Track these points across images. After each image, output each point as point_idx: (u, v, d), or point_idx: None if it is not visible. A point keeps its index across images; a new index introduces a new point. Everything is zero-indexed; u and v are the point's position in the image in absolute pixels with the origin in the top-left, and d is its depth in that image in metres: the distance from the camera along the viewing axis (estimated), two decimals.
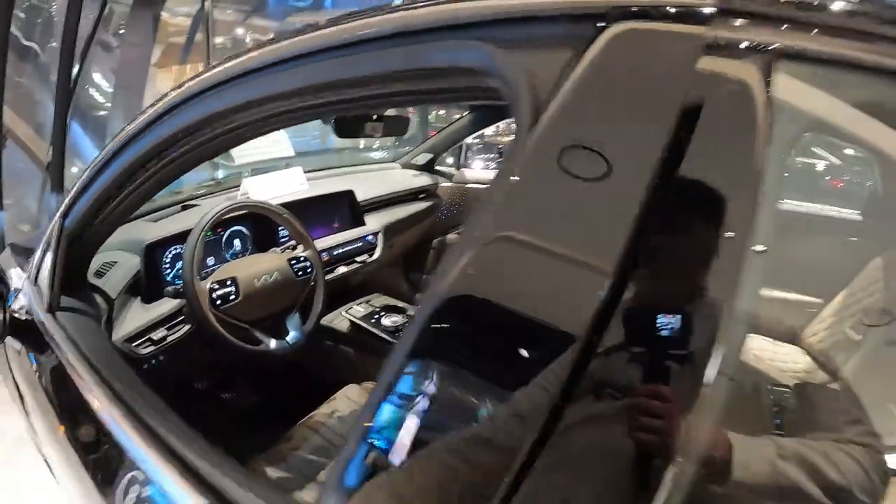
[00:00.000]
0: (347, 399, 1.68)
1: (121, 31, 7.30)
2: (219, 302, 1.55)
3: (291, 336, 1.65)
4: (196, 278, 1.49)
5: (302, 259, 1.73)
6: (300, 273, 1.72)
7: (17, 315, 1.36)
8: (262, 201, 1.72)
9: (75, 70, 2.26)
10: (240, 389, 2.21)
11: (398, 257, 2.66)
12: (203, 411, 2.30)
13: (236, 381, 2.23)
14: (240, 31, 9.32)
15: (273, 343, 1.60)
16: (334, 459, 1.43)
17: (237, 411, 2.17)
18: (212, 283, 1.55)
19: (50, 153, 2.32)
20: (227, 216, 1.59)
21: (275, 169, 2.23)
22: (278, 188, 2.05)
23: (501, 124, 2.98)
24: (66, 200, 1.23)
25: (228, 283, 1.58)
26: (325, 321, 2.04)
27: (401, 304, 2.18)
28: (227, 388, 2.19)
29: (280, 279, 1.66)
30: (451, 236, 2.95)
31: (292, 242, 1.80)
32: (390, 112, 1.16)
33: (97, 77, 6.84)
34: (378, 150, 3.72)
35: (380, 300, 2.19)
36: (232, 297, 1.57)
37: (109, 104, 7.11)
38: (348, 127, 1.25)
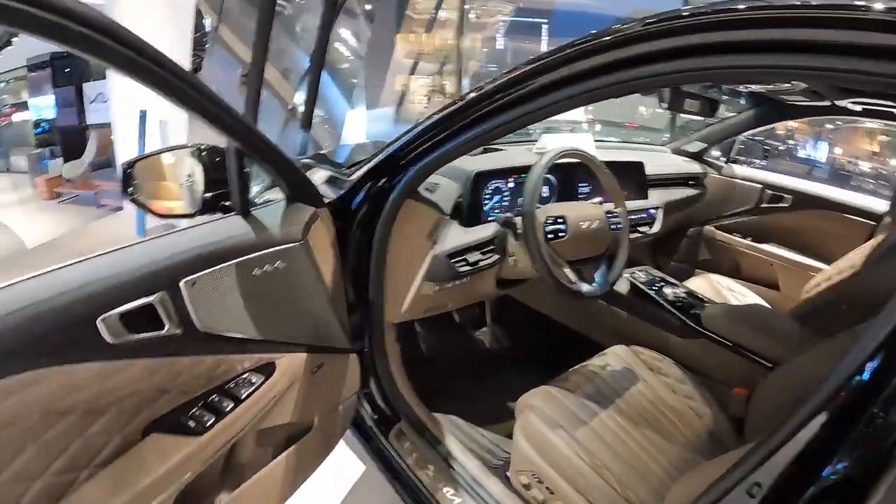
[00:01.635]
0: (618, 357, 1.72)
1: None
2: (550, 236, 1.61)
3: (597, 283, 1.68)
4: (535, 208, 1.55)
5: (614, 214, 1.76)
6: (612, 227, 1.75)
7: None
8: (592, 154, 1.75)
9: None
10: (512, 330, 2.30)
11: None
12: (475, 343, 2.45)
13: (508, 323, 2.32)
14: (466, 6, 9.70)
15: (584, 286, 1.62)
16: (607, 409, 1.48)
17: (510, 350, 2.28)
18: (546, 217, 1.61)
19: (296, 96, 2.44)
20: (561, 160, 1.63)
21: (558, 131, 2.28)
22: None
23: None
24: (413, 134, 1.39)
25: (560, 220, 1.63)
26: None
27: (672, 279, 2.16)
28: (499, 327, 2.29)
29: (598, 227, 1.70)
30: (709, 228, 2.88)
31: (598, 198, 1.84)
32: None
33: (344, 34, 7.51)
34: None
35: (654, 271, 2.18)
36: (561, 233, 1.63)
37: (350, 57, 7.80)
38: (676, 101, 1.26)
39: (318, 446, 1.53)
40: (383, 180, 1.49)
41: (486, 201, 1.78)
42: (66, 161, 10.47)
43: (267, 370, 1.28)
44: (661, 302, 1.98)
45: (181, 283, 1.10)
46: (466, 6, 9.59)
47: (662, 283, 2.07)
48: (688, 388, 1.66)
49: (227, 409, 1.19)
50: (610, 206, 1.79)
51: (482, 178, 1.76)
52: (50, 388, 0.94)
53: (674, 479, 1.36)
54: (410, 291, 1.60)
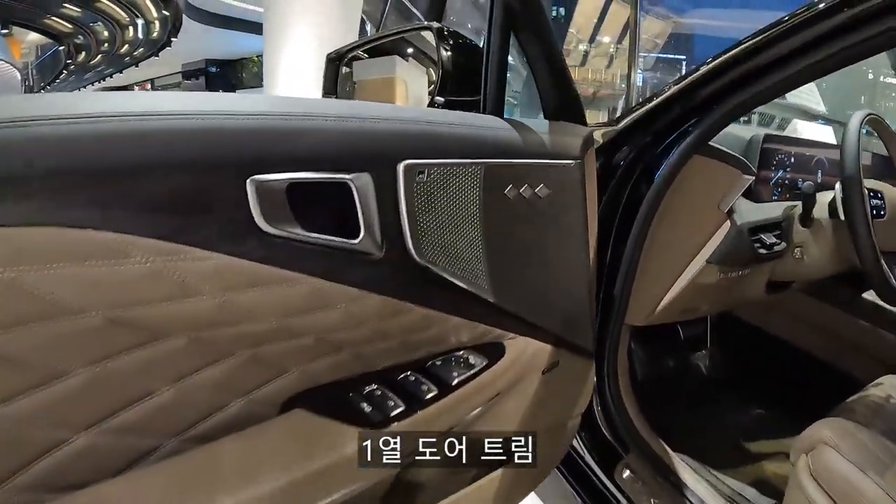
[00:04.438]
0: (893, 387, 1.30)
1: None
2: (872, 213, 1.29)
3: None
4: (859, 173, 1.22)
5: None
6: None
7: None
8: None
9: None
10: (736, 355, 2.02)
11: None
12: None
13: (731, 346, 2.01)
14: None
15: None
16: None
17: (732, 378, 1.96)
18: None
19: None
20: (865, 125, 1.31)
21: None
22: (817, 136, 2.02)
23: None
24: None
25: (878, 195, 1.35)
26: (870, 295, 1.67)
27: None
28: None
29: None
30: None
31: None
32: None
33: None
34: None
35: None
36: (882, 212, 1.33)
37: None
38: None
39: (527, 476, 1.04)
40: (660, 129, 1.13)
41: (773, 174, 1.51)
42: None
43: (493, 352, 0.87)
44: None
45: (400, 167, 0.68)
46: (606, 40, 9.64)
47: None
48: None
49: (427, 398, 0.77)
50: None
51: (771, 143, 1.48)
52: (167, 277, 0.54)
53: None
54: (684, 276, 1.24)
